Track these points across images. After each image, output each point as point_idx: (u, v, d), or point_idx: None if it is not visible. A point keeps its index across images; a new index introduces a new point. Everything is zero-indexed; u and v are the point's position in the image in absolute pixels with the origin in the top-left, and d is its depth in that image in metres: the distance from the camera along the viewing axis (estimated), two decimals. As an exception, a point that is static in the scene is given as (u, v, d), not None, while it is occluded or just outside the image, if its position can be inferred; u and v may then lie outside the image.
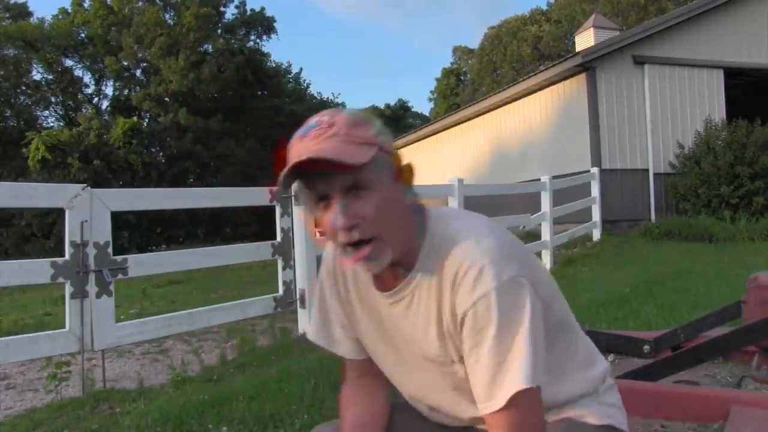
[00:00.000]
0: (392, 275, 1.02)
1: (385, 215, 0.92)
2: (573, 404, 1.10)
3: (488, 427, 0.95)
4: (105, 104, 29.53)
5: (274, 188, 0.95)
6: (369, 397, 1.16)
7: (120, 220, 17.53)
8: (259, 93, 28.50)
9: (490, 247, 0.95)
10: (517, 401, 0.91)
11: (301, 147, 0.90)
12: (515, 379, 0.91)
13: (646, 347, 2.53)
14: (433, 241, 0.99)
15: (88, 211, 3.36)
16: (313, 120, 0.93)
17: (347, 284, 1.12)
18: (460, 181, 6.65)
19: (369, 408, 1.15)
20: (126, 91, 28.47)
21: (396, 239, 0.94)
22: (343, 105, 34.43)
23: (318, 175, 0.89)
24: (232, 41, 28.10)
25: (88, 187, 3.43)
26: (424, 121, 37.96)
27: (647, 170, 11.39)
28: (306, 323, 4.60)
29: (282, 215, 4.62)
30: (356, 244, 0.92)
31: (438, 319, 0.99)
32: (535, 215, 8.01)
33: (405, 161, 0.98)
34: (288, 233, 4.63)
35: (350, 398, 1.17)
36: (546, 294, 1.03)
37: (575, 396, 1.10)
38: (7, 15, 28.34)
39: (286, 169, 0.89)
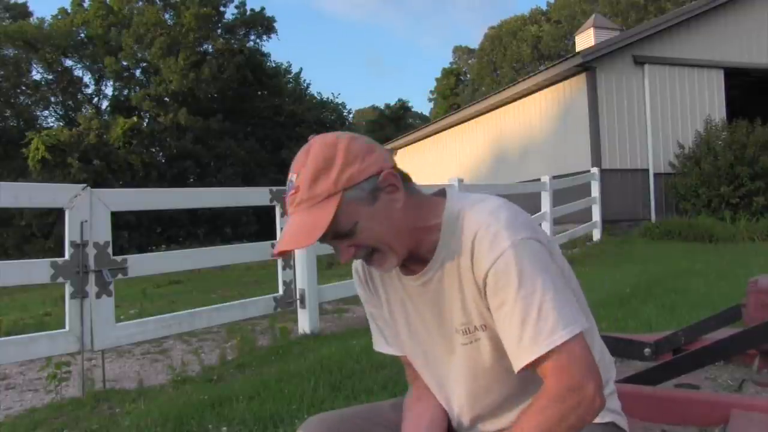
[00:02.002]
0: (419, 261, 1.09)
1: (373, 233, 1.01)
2: None
3: (543, 376, 0.97)
4: (105, 104, 29.51)
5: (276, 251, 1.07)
6: (428, 401, 1.20)
7: (120, 220, 17.53)
8: (259, 93, 28.48)
9: (503, 216, 1.01)
10: (561, 346, 0.94)
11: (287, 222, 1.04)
12: (556, 326, 0.94)
13: (647, 350, 2.52)
14: (451, 220, 1.06)
15: (88, 211, 3.36)
16: (289, 176, 1.03)
17: (375, 284, 1.21)
18: (460, 180, 6.66)
19: (428, 412, 1.18)
20: (126, 91, 28.43)
21: (394, 242, 1.03)
22: (343, 105, 34.44)
23: None
24: (232, 41, 28.09)
25: (88, 187, 3.43)
26: (424, 121, 37.96)
27: (647, 170, 11.38)
28: (306, 323, 4.61)
29: (282, 215, 4.62)
30: (365, 257, 1.05)
31: (462, 286, 1.05)
32: (535, 215, 8.01)
33: (386, 170, 1.02)
34: (288, 233, 4.61)
35: (411, 403, 1.21)
36: (564, 267, 1.08)
37: None
38: (7, 15, 28.34)
39: (274, 252, 1.05)
